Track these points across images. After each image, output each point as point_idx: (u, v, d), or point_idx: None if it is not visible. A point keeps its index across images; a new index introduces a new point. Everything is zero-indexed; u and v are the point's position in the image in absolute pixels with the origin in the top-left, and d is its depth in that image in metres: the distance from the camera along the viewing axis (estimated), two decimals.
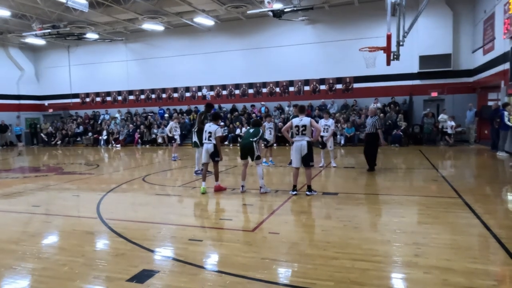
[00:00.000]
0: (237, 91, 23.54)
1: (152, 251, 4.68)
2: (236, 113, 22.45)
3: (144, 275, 3.92)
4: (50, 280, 3.93)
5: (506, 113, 12.95)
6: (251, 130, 8.05)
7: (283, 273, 4.00)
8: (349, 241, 4.80)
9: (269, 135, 11.67)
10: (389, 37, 10.88)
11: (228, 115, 22.29)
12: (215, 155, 7.98)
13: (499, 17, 14.54)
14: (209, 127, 8.07)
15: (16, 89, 27.23)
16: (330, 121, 11.47)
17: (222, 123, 20.00)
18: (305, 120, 7.50)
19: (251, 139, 7.86)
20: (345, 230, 5.30)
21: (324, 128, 11.25)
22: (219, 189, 8.17)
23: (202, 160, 8.38)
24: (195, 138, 10.22)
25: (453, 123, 17.55)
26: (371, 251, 4.42)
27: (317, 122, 9.21)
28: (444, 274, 3.75)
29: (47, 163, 15.32)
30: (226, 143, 20.33)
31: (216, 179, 8.24)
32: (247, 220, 6.21)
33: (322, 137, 11.14)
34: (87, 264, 4.30)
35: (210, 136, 8.00)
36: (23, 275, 4.08)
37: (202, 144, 8.51)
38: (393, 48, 11.35)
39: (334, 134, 14.57)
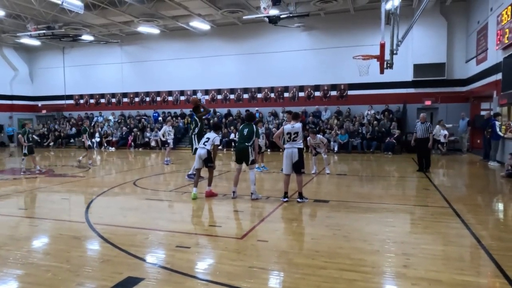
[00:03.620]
0: (232, 96, 23.51)
1: (138, 257, 4.60)
2: (231, 117, 22.43)
3: (128, 283, 3.85)
4: (32, 286, 3.84)
5: (497, 123, 13.04)
6: (245, 130, 7.87)
7: (270, 282, 3.94)
8: (338, 251, 4.76)
9: (261, 141, 11.61)
10: (382, 46, 10.92)
11: (223, 120, 22.25)
12: (208, 161, 7.93)
13: (492, 28, 14.67)
14: (209, 133, 8.15)
15: (9, 89, 26.99)
16: (318, 138, 11.50)
17: (221, 134, 19.95)
18: (297, 126, 7.47)
19: (246, 144, 7.77)
20: (334, 239, 5.26)
21: (316, 146, 11.50)
22: (210, 195, 8.09)
23: (195, 166, 8.33)
24: (196, 145, 9.65)
25: (446, 132, 17.64)
26: (360, 261, 4.38)
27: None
28: (432, 285, 3.71)
29: (38, 165, 15.11)
30: (220, 147, 20.21)
31: (209, 184, 8.17)
32: (236, 227, 6.16)
33: (315, 148, 11.60)
34: (71, 270, 4.22)
35: (206, 142, 7.98)
36: (4, 281, 3.99)
37: None
38: (387, 56, 11.39)
39: (328, 141, 14.81)
